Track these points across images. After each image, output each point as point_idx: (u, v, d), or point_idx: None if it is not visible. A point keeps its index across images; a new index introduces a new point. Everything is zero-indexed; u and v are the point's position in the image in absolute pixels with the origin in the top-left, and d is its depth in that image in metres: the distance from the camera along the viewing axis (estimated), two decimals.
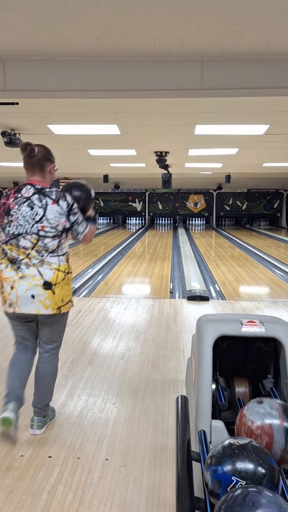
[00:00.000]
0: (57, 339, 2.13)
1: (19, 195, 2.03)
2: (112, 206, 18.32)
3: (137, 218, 18.66)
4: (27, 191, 2.03)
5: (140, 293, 5.25)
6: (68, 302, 2.07)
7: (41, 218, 1.99)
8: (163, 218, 18.79)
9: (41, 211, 1.99)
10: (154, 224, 18.69)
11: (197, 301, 4.86)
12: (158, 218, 18.76)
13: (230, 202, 17.94)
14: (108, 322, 4.01)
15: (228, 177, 12.02)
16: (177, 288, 5.81)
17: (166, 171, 9.44)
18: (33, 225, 1.99)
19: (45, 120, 5.06)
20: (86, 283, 5.89)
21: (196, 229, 17.49)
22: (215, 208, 17.97)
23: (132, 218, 18.58)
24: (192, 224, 18.45)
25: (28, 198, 2.01)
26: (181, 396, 1.65)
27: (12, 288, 2.01)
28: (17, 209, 2.01)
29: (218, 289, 5.63)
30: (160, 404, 2.49)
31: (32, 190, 2.03)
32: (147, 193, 18.22)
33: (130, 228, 17.10)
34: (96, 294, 5.26)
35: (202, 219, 18.48)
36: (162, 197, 18.14)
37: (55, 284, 2.01)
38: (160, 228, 17.27)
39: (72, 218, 2.04)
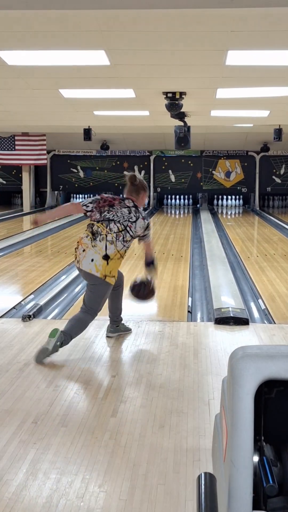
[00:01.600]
0: (88, 302, 4.07)
1: (123, 203, 4.17)
2: (97, 177, 18.46)
3: None
4: (129, 203, 4.18)
5: (141, 313, 5.30)
6: (113, 277, 4.01)
7: (132, 221, 4.10)
8: (178, 196, 18.95)
9: (134, 218, 4.12)
10: (163, 206, 18.93)
11: (231, 325, 4.90)
12: (169, 196, 18.94)
13: (282, 172, 18.01)
14: (92, 358, 4.06)
15: (278, 132, 11.99)
16: (199, 306, 5.84)
17: (181, 123, 9.46)
18: (126, 221, 4.09)
19: None
20: (56, 298, 5.96)
21: (229, 213, 17.59)
22: (258, 180, 18.05)
23: None
24: (222, 205, 18.58)
25: (128, 207, 4.16)
26: (205, 474, 1.65)
27: (84, 250, 4.02)
28: (119, 207, 4.12)
29: (263, 306, 5.65)
30: (173, 486, 2.52)
31: (132, 204, 4.19)
32: (152, 158, 18.31)
33: None
34: (72, 315, 5.32)
35: (238, 197, 18.60)
36: (175, 163, 18.24)
37: (111, 259, 3.98)
38: (173, 212, 17.39)
39: (146, 232, 4.23)
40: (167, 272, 7.46)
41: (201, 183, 18.25)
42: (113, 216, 4.04)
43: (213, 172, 18.14)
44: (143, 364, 3.95)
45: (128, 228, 4.04)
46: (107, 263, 3.93)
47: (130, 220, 4.06)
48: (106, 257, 3.93)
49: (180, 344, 4.41)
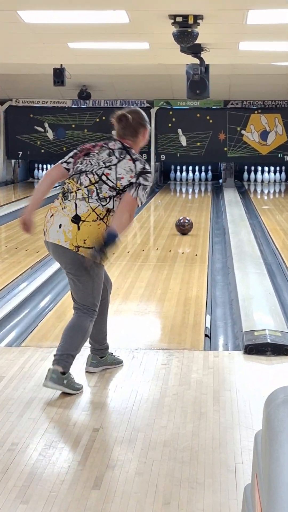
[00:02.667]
0: (78, 297, 4.26)
1: (105, 146, 4.27)
2: (73, 139, 18.53)
3: None
4: (115, 145, 4.25)
5: (136, 339, 5.30)
6: (90, 248, 4.04)
7: (112, 165, 4.14)
8: (191, 168, 18.97)
9: (115, 160, 4.16)
10: (169, 182, 18.98)
11: (267, 355, 4.92)
12: (178, 168, 18.99)
13: None
14: (65, 404, 4.08)
15: None
16: (222, 327, 5.85)
17: (197, 61, 9.47)
18: (102, 168, 4.15)
19: None
20: (13, 316, 5.97)
21: (266, 192, 17.58)
22: None
23: None
24: (256, 180, 18.60)
25: (111, 149, 4.23)
26: None
27: (52, 216, 4.17)
28: (96, 153, 4.24)
29: None
30: None
31: (119, 145, 4.24)
32: (153, 111, 18.31)
33: None
34: (36, 340, 5.34)
35: (279, 169, 18.60)
36: (188, 119, 18.28)
37: (84, 221, 4.08)
38: (183, 191, 17.36)
39: (138, 183, 4.14)
40: (175, 278, 7.47)
41: (225, 149, 18.25)
42: (86, 166, 4.20)
43: (243, 132, 18.16)
44: (139, 413, 3.95)
45: (104, 177, 4.13)
46: (78, 228, 4.06)
47: (109, 163, 4.16)
48: (76, 219, 4.08)
49: (194, 383, 4.40)
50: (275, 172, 18.60)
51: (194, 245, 9.58)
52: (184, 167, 18.82)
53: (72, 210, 4.07)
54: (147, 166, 4.20)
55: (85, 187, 4.10)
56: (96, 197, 4.08)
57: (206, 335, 5.46)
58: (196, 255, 8.85)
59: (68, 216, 4.06)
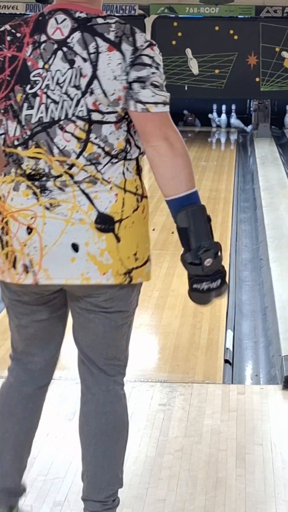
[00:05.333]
0: (118, 349, 3.35)
1: (44, 38, 3.06)
2: None
3: None
4: (59, 27, 3.06)
5: (127, 367, 5.28)
6: (146, 262, 3.26)
7: (89, 84, 3.01)
8: (206, 107, 18.92)
9: (88, 68, 3.01)
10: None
11: None
12: (188, 106, 18.94)
13: None
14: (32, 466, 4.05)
15: None
16: (251, 350, 5.85)
17: None
18: (79, 100, 3.02)
19: None
20: None
21: None
22: None
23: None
24: None
25: (62, 42, 3.04)
26: None
27: (30, 231, 3.09)
28: (42, 68, 3.05)
29: None
30: None
31: (68, 24, 3.06)
32: (148, 21, 18.28)
33: None
34: None
35: None
36: (200, 34, 18.26)
37: (121, 220, 3.12)
38: (194, 140, 17.34)
39: (137, 73, 3.04)
40: (180, 274, 7.46)
41: (258, 79, 18.29)
42: (46, 109, 3.04)
43: (284, 54, 18.18)
44: (125, 479, 3.93)
45: (96, 115, 3.02)
46: (117, 238, 3.09)
47: (82, 85, 3.00)
48: (106, 223, 3.07)
49: (208, 433, 4.42)
50: None
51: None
52: (195, 106, 18.83)
53: (84, 209, 3.04)
54: (141, 37, 3.06)
55: (80, 154, 3.05)
56: (113, 158, 3.07)
57: (226, 361, 5.49)
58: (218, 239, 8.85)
59: (82, 222, 3.04)
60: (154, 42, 3.07)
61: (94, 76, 2.98)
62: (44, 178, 3.08)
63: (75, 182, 3.06)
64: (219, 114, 18.96)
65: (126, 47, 3.00)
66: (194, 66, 18.31)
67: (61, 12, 3.04)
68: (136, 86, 2.99)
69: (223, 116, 18.91)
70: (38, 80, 3.01)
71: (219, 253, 3.06)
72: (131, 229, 3.12)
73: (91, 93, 2.98)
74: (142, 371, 5.29)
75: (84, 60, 2.98)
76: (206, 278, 3.04)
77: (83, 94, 2.99)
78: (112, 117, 3.02)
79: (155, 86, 3.01)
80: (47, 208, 3.04)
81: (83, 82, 2.98)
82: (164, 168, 3.03)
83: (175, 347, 5.73)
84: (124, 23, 3.07)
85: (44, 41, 3.03)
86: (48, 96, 3.01)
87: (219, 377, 5.23)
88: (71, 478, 3.38)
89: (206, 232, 3.04)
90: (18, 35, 3.06)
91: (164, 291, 6.97)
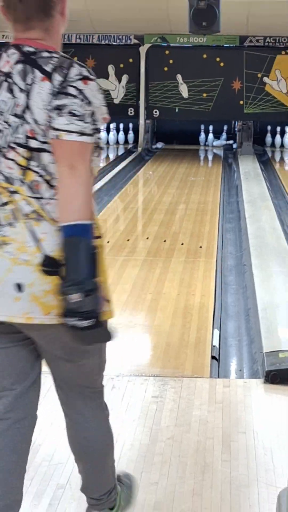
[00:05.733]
0: (89, 379, 3.16)
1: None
2: None
3: (113, 125, 18.76)
4: (8, 60, 2.88)
5: (121, 362, 5.27)
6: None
7: (24, 112, 2.81)
8: (194, 128, 18.89)
9: (23, 98, 2.81)
10: (165, 146, 19.12)
11: None
12: (175, 126, 18.92)
13: None
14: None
15: None
16: (235, 347, 5.86)
17: None
18: (17, 128, 2.82)
19: None
20: None
21: None
22: None
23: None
24: (283, 146, 18.59)
25: (8, 74, 2.86)
26: None
27: None
28: None
29: None
30: None
31: (16, 57, 2.87)
32: (142, 49, 18.28)
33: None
34: None
35: None
36: (190, 61, 18.26)
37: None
38: (183, 158, 17.33)
39: (59, 101, 2.78)
40: (171, 279, 7.49)
41: (241, 102, 18.28)
42: None
43: (266, 80, 18.18)
44: (121, 464, 3.93)
45: (34, 143, 2.82)
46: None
47: (18, 113, 2.83)
48: (50, 265, 2.81)
49: (196, 423, 4.41)
50: None
51: (198, 234, 9.60)
52: (186, 126, 18.82)
53: (31, 249, 2.80)
54: (75, 69, 2.82)
55: (23, 182, 2.83)
56: (54, 197, 2.82)
57: (213, 357, 5.49)
58: (201, 247, 8.86)
59: (27, 263, 2.80)
60: (91, 77, 2.83)
61: (27, 106, 2.78)
62: None
63: (23, 216, 2.81)
64: (207, 134, 18.92)
65: (57, 78, 2.78)
66: (184, 90, 18.30)
67: (13, 47, 2.88)
68: (54, 113, 2.75)
69: (210, 135, 18.88)
70: None
71: (95, 293, 2.68)
72: None
73: (27, 122, 2.79)
74: (137, 367, 5.29)
75: (21, 90, 2.79)
76: (73, 313, 2.66)
77: (21, 122, 2.80)
78: (49, 146, 2.79)
79: (73, 115, 2.74)
80: None
81: (19, 111, 2.79)
82: (61, 194, 2.75)
83: (167, 345, 5.72)
84: (68, 58, 2.88)
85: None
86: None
87: (206, 372, 5.23)
88: (73, 463, 3.35)
89: (81, 267, 2.67)
90: None
91: (156, 294, 6.96)
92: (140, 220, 11.00)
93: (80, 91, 2.76)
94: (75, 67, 2.81)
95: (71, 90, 2.75)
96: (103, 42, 18.36)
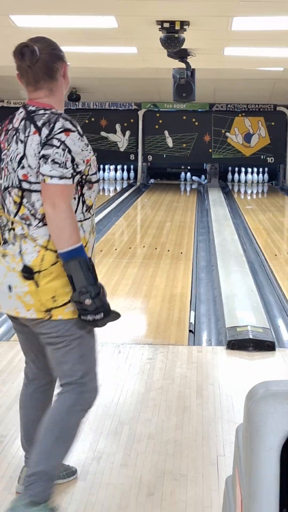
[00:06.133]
0: (64, 368, 2.82)
1: (10, 127, 2.82)
2: None
3: (119, 167, 18.74)
4: (18, 118, 2.80)
5: (123, 334, 5.29)
6: (66, 303, 2.72)
7: (21, 159, 2.71)
8: (176, 168, 18.91)
9: (21, 148, 2.72)
10: (156, 181, 19.05)
11: (249, 351, 4.93)
12: (164, 167, 18.92)
13: None
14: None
15: None
16: (206, 323, 5.85)
17: (183, 65, 9.47)
18: (16, 172, 2.73)
19: None
20: None
21: (250, 192, 17.62)
22: None
23: (107, 166, 18.66)
24: (240, 181, 18.61)
25: (16, 129, 2.78)
26: None
27: None
28: (7, 149, 2.80)
29: None
30: None
31: (22, 115, 2.78)
32: (141, 113, 18.30)
33: (103, 189, 17.18)
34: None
35: (262, 170, 18.63)
36: (174, 121, 18.25)
37: (39, 272, 2.72)
38: (170, 190, 17.37)
39: (44, 151, 2.66)
40: (160, 275, 7.48)
41: (210, 150, 18.28)
42: (6, 178, 2.82)
43: (227, 134, 18.19)
44: (125, 406, 3.94)
45: (26, 185, 2.73)
46: (36, 284, 2.72)
47: (17, 160, 2.75)
48: (27, 273, 2.74)
49: (178, 377, 4.41)
50: (258, 173, 18.65)
51: (180, 244, 9.59)
52: (171, 167, 18.82)
53: (17, 260, 2.75)
54: (59, 124, 2.67)
55: (16, 214, 2.77)
56: (40, 221, 2.72)
57: (190, 331, 5.47)
58: (181, 253, 8.86)
59: (14, 270, 2.75)
60: (72, 129, 2.67)
61: (24, 154, 2.69)
62: (2, 229, 2.85)
63: (18, 237, 2.75)
64: (186, 173, 18.93)
65: (45, 131, 2.67)
66: (169, 142, 18.34)
67: (22, 107, 2.82)
68: (41, 161, 2.65)
69: (188, 174, 18.90)
70: (4, 157, 2.78)
71: (99, 294, 2.64)
72: (49, 279, 2.69)
73: (23, 167, 2.70)
74: (136, 338, 5.28)
75: (22, 141, 2.71)
76: (89, 312, 2.64)
77: (20, 167, 2.71)
78: (38, 187, 2.68)
79: (55, 162, 2.62)
80: (2, 255, 2.80)
81: (19, 158, 2.71)
82: (51, 228, 2.64)
83: (157, 322, 5.73)
84: (57, 114, 2.72)
85: (10, 129, 2.80)
86: (7, 169, 2.75)
87: (185, 342, 5.23)
88: None
89: (85, 279, 2.61)
90: (1, 125, 2.89)
91: (150, 286, 6.96)
92: (139, 234, 11.00)
93: (62, 142, 2.63)
94: (60, 121, 2.68)
95: (54, 142, 2.63)
96: (112, 108, 18.36)
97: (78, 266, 2.61)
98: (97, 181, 2.83)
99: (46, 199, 2.63)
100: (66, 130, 2.65)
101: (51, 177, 2.61)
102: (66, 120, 2.68)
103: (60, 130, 2.64)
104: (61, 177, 2.61)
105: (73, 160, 2.64)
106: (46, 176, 2.62)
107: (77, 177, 2.67)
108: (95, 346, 2.88)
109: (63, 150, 2.62)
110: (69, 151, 2.63)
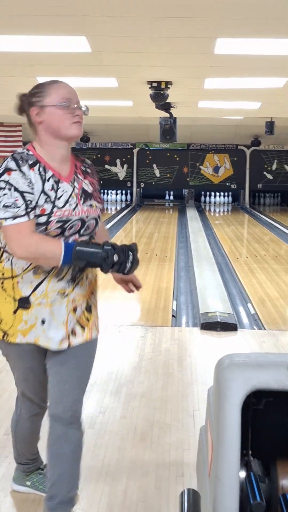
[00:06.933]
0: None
1: None
2: None
3: (119, 191, 18.74)
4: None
5: (121, 318, 5.28)
6: (7, 330, 2.20)
7: None
8: (162, 193, 18.93)
9: None
10: (146, 202, 18.93)
11: (218, 331, 4.92)
12: (153, 192, 18.94)
13: (274, 167, 18.11)
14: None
15: (270, 125, 12.08)
16: (184, 310, 5.85)
17: (167, 115, 9.47)
18: None
19: None
20: None
21: (218, 210, 17.64)
22: (248, 176, 18.13)
23: (110, 191, 18.66)
24: (210, 202, 18.62)
25: None
26: (189, 490, 1.65)
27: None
28: None
29: (252, 311, 5.67)
30: (154, 502, 2.52)
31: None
32: (135, 151, 18.29)
33: (107, 208, 17.18)
34: None
35: (227, 194, 18.66)
36: (160, 157, 18.24)
37: None
38: (157, 209, 17.39)
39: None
40: (150, 273, 7.46)
41: (188, 179, 18.29)
42: None
43: (201, 167, 18.20)
44: (123, 372, 3.94)
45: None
46: None
47: None
48: None
49: (164, 350, 4.41)
50: (224, 196, 18.66)
51: (165, 249, 9.58)
52: (159, 192, 18.78)
53: None
54: (10, 163, 2.09)
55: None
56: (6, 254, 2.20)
57: (173, 316, 5.47)
58: (166, 256, 8.85)
59: None
60: (13, 169, 2.07)
61: None
62: None
63: None
64: (169, 196, 18.93)
65: None
66: (157, 172, 18.33)
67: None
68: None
69: (171, 197, 18.88)
70: None
71: (113, 247, 2.13)
72: None
73: None
74: (131, 320, 5.27)
75: None
76: (125, 261, 2.18)
77: None
78: None
79: (5, 206, 2.06)
80: None
81: None
82: (34, 263, 2.16)
83: (148, 309, 5.72)
84: (10, 155, 2.14)
85: None
86: None
87: (169, 324, 5.21)
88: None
89: (95, 252, 2.11)
90: None
91: (142, 281, 6.90)
92: (134, 239, 10.96)
93: (6, 182, 2.06)
94: (5, 161, 2.11)
95: (1, 184, 2.07)
96: (114, 147, 18.33)
97: (80, 254, 2.09)
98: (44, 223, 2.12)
99: (8, 241, 2.10)
100: (7, 170, 2.08)
101: (5, 219, 2.06)
102: (12, 159, 2.11)
103: (3, 170, 2.09)
104: (14, 217, 2.05)
105: (23, 196, 2.06)
106: (1, 219, 2.07)
107: (34, 211, 2.09)
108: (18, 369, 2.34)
109: (9, 190, 2.06)
110: (16, 189, 2.06)
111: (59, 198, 2.14)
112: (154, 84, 7.54)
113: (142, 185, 18.50)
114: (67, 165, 2.20)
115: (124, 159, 18.43)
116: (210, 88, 7.91)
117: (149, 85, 7.59)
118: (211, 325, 4.96)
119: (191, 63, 6.34)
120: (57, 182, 2.15)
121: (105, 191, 18.26)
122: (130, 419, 3.25)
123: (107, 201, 18.41)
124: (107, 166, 18.55)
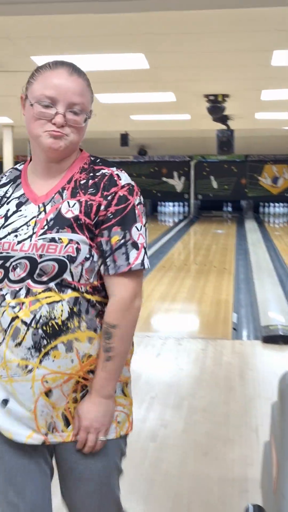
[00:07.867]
0: None
1: None
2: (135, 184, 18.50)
3: (177, 203, 18.77)
4: None
5: (181, 330, 5.28)
6: None
7: None
8: (220, 204, 18.83)
9: None
10: (204, 214, 18.88)
11: (280, 344, 4.84)
12: (211, 204, 18.87)
13: None
14: None
15: None
16: (245, 323, 5.78)
17: (224, 127, 9.45)
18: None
19: (28, 49, 5.20)
20: None
21: (278, 221, 17.36)
22: None
23: (167, 203, 18.73)
24: (269, 213, 18.37)
25: None
26: (254, 506, 1.62)
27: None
28: None
29: None
30: None
31: None
32: (192, 163, 18.30)
33: (165, 220, 17.26)
34: None
35: (286, 204, 18.35)
36: (218, 169, 18.18)
37: None
38: (215, 221, 17.30)
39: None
40: (209, 285, 7.43)
41: (246, 190, 18.15)
42: None
43: (259, 178, 18.02)
44: (184, 385, 3.93)
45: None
46: None
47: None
48: None
49: (225, 364, 4.37)
50: (283, 207, 18.41)
51: (224, 261, 9.51)
52: (216, 204, 18.75)
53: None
54: None
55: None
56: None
57: (233, 328, 5.41)
58: (225, 268, 8.78)
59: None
60: None
61: None
62: None
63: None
64: (227, 207, 18.78)
65: None
66: (214, 184, 18.34)
67: None
68: None
69: (229, 208, 18.73)
70: None
71: None
72: None
73: None
74: (192, 333, 5.25)
75: None
76: None
77: None
78: None
79: None
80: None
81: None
82: None
83: (208, 321, 5.69)
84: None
85: None
86: None
87: (230, 336, 5.15)
88: None
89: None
90: None
91: (201, 293, 6.90)
92: (192, 254, 10.96)
93: None
94: None
95: None
96: (171, 160, 18.46)
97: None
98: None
99: None
100: None
101: None
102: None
103: None
104: None
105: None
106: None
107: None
108: None
109: None
110: None
111: (4, 227, 1.50)
112: (211, 97, 7.56)
113: (200, 197, 18.47)
114: (53, 181, 1.52)
115: (181, 172, 18.49)
116: (267, 99, 7.85)
117: (206, 99, 7.61)
118: (273, 338, 4.88)
119: (248, 75, 6.33)
120: (20, 205, 1.52)
121: (163, 203, 18.41)
122: (192, 433, 3.23)
123: (164, 213, 18.49)
124: (164, 179, 18.65)
